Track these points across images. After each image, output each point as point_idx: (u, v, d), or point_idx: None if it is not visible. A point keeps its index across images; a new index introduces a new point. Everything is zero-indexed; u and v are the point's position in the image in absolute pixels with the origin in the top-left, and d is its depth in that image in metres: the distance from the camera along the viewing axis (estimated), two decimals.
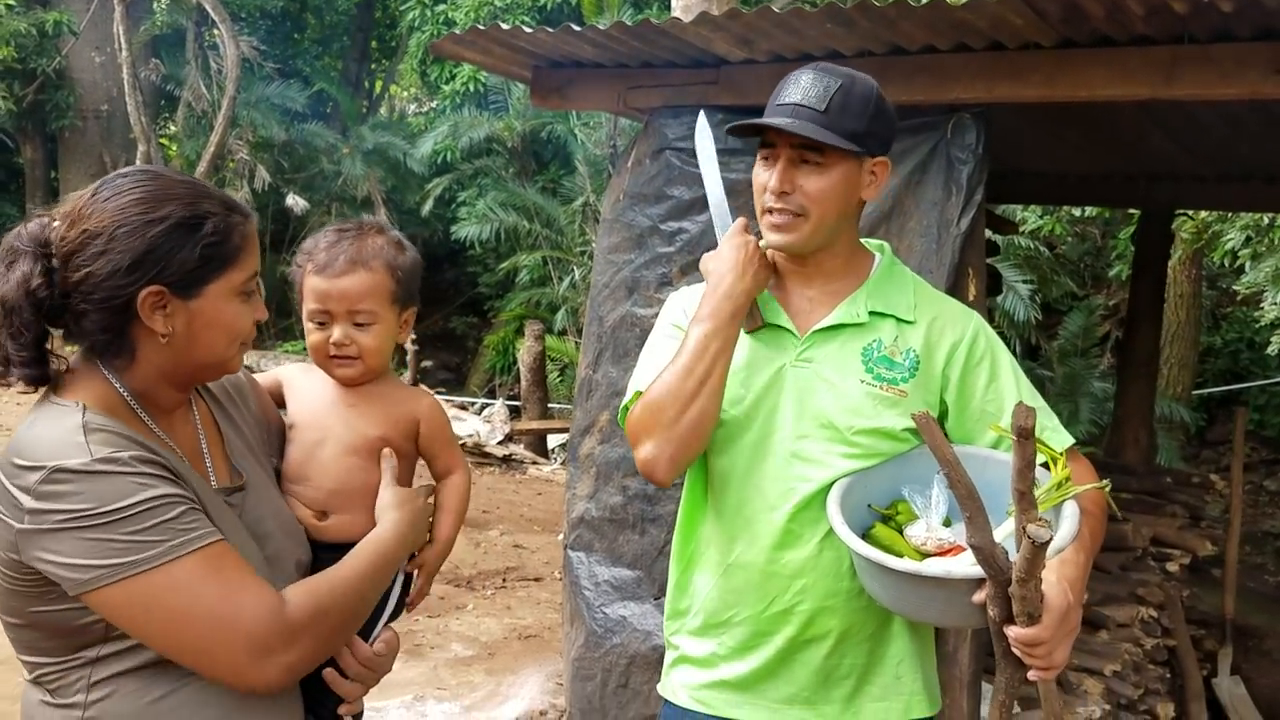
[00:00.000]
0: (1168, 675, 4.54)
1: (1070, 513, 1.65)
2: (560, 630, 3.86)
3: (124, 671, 1.37)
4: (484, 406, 11.94)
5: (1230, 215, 8.09)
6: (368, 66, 19.06)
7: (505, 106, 14.61)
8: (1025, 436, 1.38)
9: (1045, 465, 1.67)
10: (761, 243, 1.86)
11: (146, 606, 1.29)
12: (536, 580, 6.44)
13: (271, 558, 1.50)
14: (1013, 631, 1.53)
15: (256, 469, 1.58)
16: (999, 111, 3.13)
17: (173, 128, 15.37)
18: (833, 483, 1.79)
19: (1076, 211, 9.76)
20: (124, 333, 1.37)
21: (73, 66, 14.31)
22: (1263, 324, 9.13)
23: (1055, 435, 1.82)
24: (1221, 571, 5.38)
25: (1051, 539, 1.40)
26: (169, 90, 15.01)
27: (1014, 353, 1.99)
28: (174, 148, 15.16)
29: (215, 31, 13.05)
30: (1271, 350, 8.94)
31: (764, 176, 1.81)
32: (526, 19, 13.29)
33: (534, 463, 10.19)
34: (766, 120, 1.77)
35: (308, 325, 1.70)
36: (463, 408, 11.76)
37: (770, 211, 1.80)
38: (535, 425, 10.89)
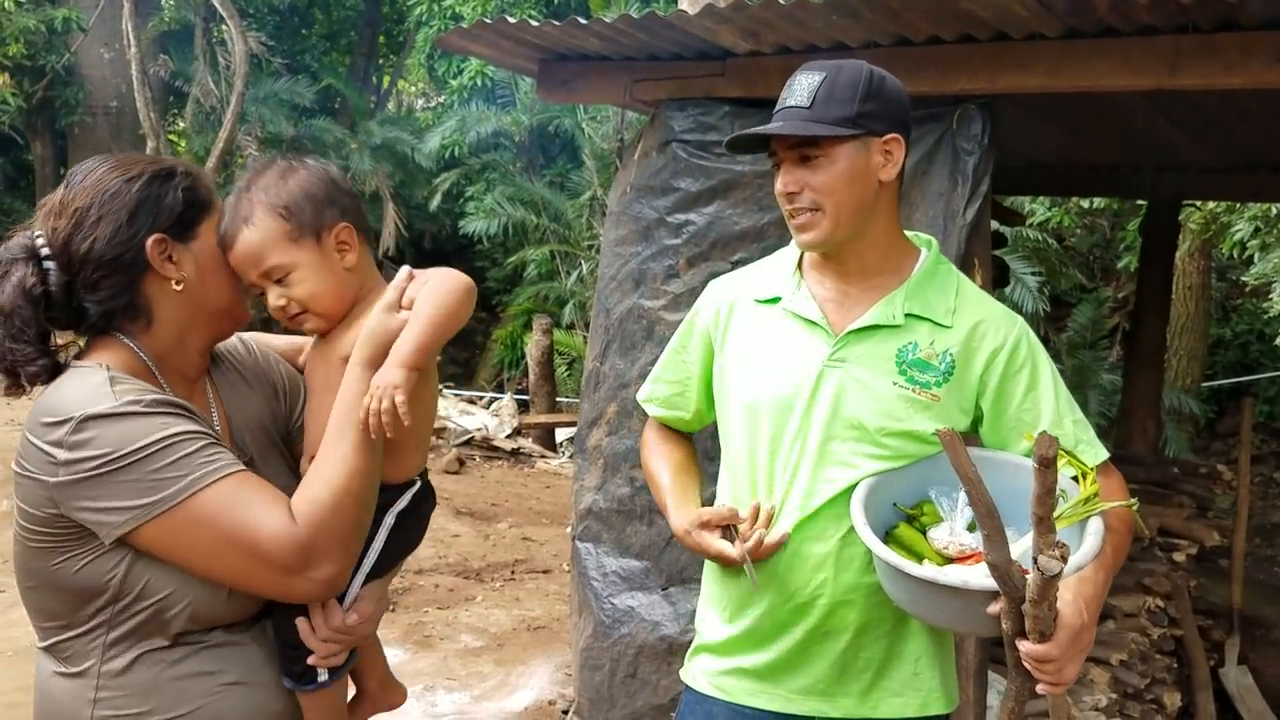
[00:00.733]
0: (1174, 665, 4.54)
1: (1094, 530, 1.65)
2: (569, 621, 3.88)
3: (136, 639, 1.40)
4: (492, 401, 11.97)
5: (1238, 206, 8.06)
6: (375, 61, 19.07)
7: (513, 101, 14.63)
8: (1046, 465, 1.40)
9: (1075, 479, 1.68)
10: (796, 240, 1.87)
11: (178, 541, 1.35)
12: (545, 572, 6.47)
13: None
14: (1024, 646, 1.54)
15: (262, 442, 1.62)
16: (1004, 102, 3.13)
17: (181, 123, 15.41)
18: (858, 482, 1.79)
19: (1085, 203, 9.73)
20: (139, 290, 1.45)
21: (82, 63, 14.36)
22: (1272, 315, 9.09)
23: (1090, 450, 1.82)
24: (1229, 562, 5.38)
25: (1060, 572, 1.42)
26: (178, 86, 15.03)
27: None
28: (183, 143, 15.21)
29: (223, 27, 13.08)
30: None
31: (778, 183, 1.83)
32: (533, 13, 13.30)
33: (542, 456, 10.22)
34: (755, 130, 1.80)
35: None
36: (471, 402, 11.79)
37: (790, 212, 1.82)
38: (543, 419, 10.91)
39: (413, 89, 20.96)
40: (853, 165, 1.78)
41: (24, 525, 1.40)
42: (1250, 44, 2.68)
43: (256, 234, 1.50)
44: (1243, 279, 10.26)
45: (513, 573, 6.41)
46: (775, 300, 1.91)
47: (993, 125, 3.09)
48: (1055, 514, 1.61)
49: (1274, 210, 7.79)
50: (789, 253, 1.97)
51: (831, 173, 1.77)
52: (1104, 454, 1.84)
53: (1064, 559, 1.43)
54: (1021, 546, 1.63)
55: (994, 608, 1.58)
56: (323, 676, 1.53)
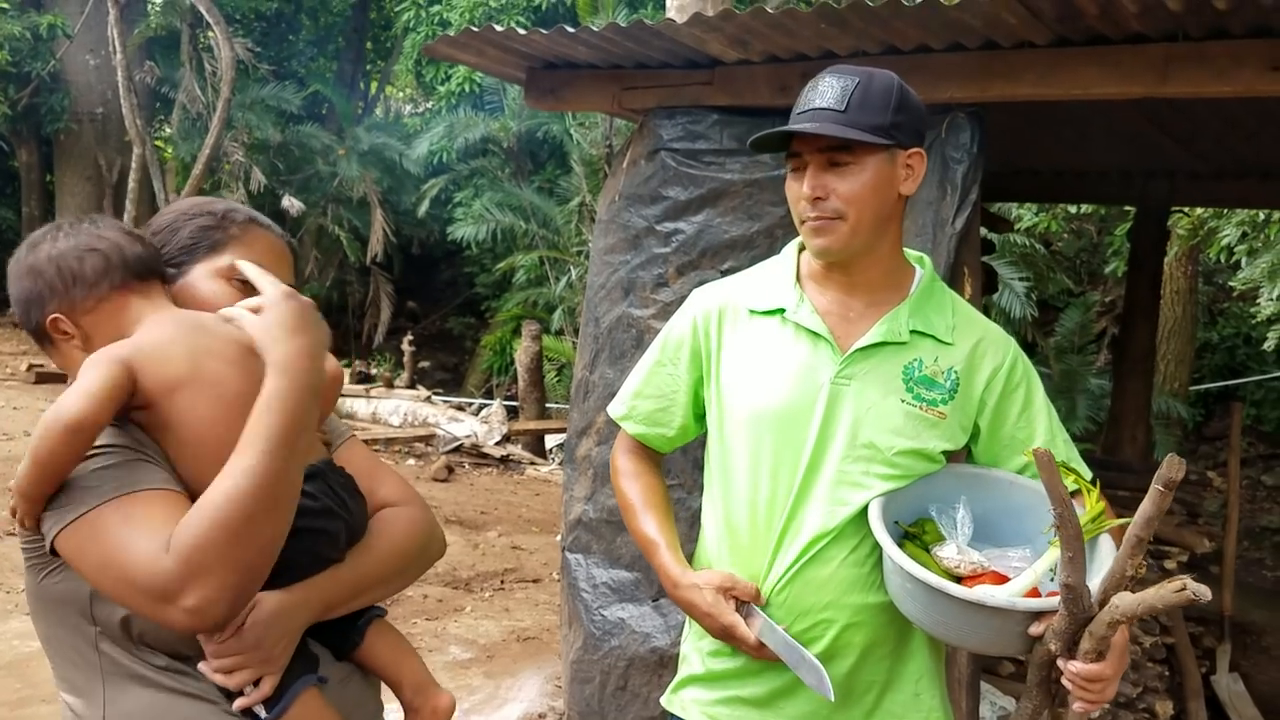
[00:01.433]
0: (1166, 673, 4.53)
1: (1109, 548, 1.67)
2: (559, 632, 3.85)
3: (130, 662, 1.38)
4: (481, 407, 11.93)
5: (1226, 211, 8.09)
6: (363, 68, 19.04)
7: (501, 107, 14.61)
8: (1169, 488, 1.44)
9: (1074, 495, 1.69)
10: (809, 247, 1.83)
11: (78, 554, 1.31)
12: (535, 582, 6.43)
13: None
14: (1076, 666, 1.55)
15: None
16: (994, 110, 3.12)
17: (168, 130, 15.35)
18: (868, 503, 1.77)
19: (1072, 209, 9.75)
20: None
21: (67, 70, 14.30)
22: (1259, 319, 9.12)
23: (1078, 469, 1.82)
24: (1219, 568, 5.37)
25: (1199, 597, 1.43)
26: (164, 93, 14.99)
27: None
28: (169, 150, 15.15)
29: (210, 34, 13.04)
30: (1268, 345, 8.93)
31: (796, 187, 1.78)
32: (521, 20, 13.29)
33: (532, 463, 10.19)
34: (789, 127, 1.74)
35: None
36: (460, 408, 11.75)
37: (808, 219, 1.77)
38: (533, 425, 10.89)
39: (401, 95, 20.93)
40: (879, 176, 1.75)
41: (22, 542, 1.42)
42: (1240, 52, 2.68)
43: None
44: (1230, 284, 10.29)
45: (502, 582, 6.37)
46: (777, 312, 1.86)
47: (982, 133, 3.08)
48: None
49: (1261, 216, 7.82)
50: (784, 263, 1.92)
51: (860, 180, 1.73)
52: (1088, 474, 1.84)
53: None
54: (1044, 564, 1.66)
55: (1037, 628, 1.59)
56: (262, 713, 1.38)
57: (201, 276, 1.52)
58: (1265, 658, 5.50)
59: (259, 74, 14.55)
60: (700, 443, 1.99)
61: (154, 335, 1.41)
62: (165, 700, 1.38)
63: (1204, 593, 1.38)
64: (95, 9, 13.34)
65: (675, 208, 3.45)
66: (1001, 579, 1.70)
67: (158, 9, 14.76)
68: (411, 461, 9.74)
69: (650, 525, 1.93)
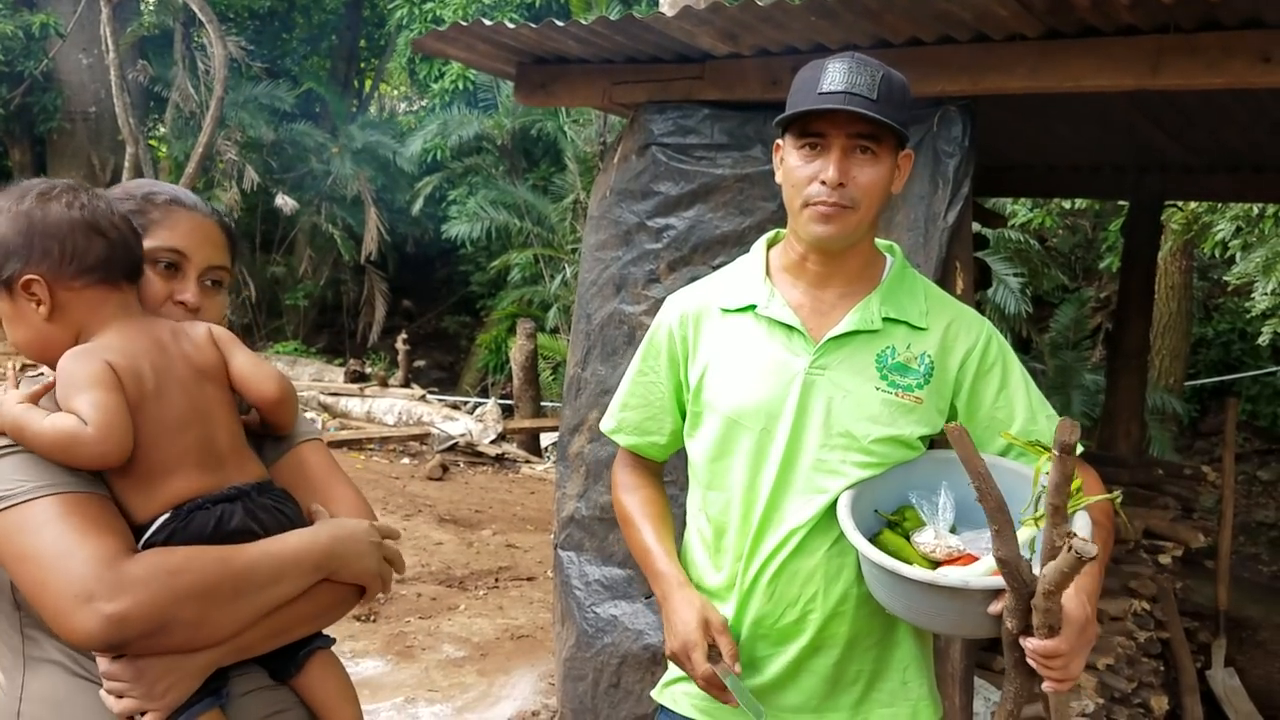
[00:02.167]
0: (1161, 668, 4.53)
1: (1083, 524, 1.65)
2: (552, 630, 3.84)
3: (51, 651, 1.37)
4: (476, 405, 11.92)
5: (1220, 206, 8.08)
6: (356, 65, 19.00)
7: (495, 104, 14.59)
8: (1067, 451, 1.40)
9: None
10: (806, 231, 1.78)
11: (2, 544, 1.29)
12: (529, 579, 6.42)
13: None
14: (1031, 643, 1.53)
15: None
16: (986, 104, 3.11)
17: (161, 129, 15.33)
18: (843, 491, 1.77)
19: (1067, 204, 9.75)
20: None
21: (60, 68, 14.26)
22: (1254, 314, 9.11)
23: None
24: (1215, 563, 5.37)
25: (1095, 556, 1.40)
26: (157, 91, 14.96)
27: None
28: (162, 149, 15.11)
29: (203, 32, 13.00)
30: (1263, 340, 8.94)
31: (810, 168, 1.73)
32: (514, 15, 13.26)
33: (527, 461, 10.18)
34: (840, 106, 1.67)
35: None
36: (455, 407, 11.74)
37: (818, 203, 1.72)
38: (528, 424, 10.88)
39: (394, 93, 20.90)
40: (890, 170, 1.76)
41: None
42: (1232, 43, 2.66)
43: None
44: (1224, 278, 10.30)
45: (496, 580, 6.36)
46: (749, 309, 1.86)
47: (974, 127, 3.07)
48: (1043, 510, 1.60)
49: (1255, 210, 7.81)
50: (752, 261, 1.92)
51: (878, 172, 1.73)
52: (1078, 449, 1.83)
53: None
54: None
55: (995, 607, 1.57)
56: None
57: None
58: (1260, 652, 5.50)
59: (252, 72, 14.52)
60: None
61: (129, 348, 1.39)
62: (76, 685, 1.37)
63: (1088, 550, 1.37)
64: (88, 8, 13.31)
65: (666, 203, 3.43)
66: (976, 560, 1.70)
67: (150, 8, 14.73)
68: (406, 460, 9.72)
69: (647, 535, 1.94)
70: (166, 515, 1.37)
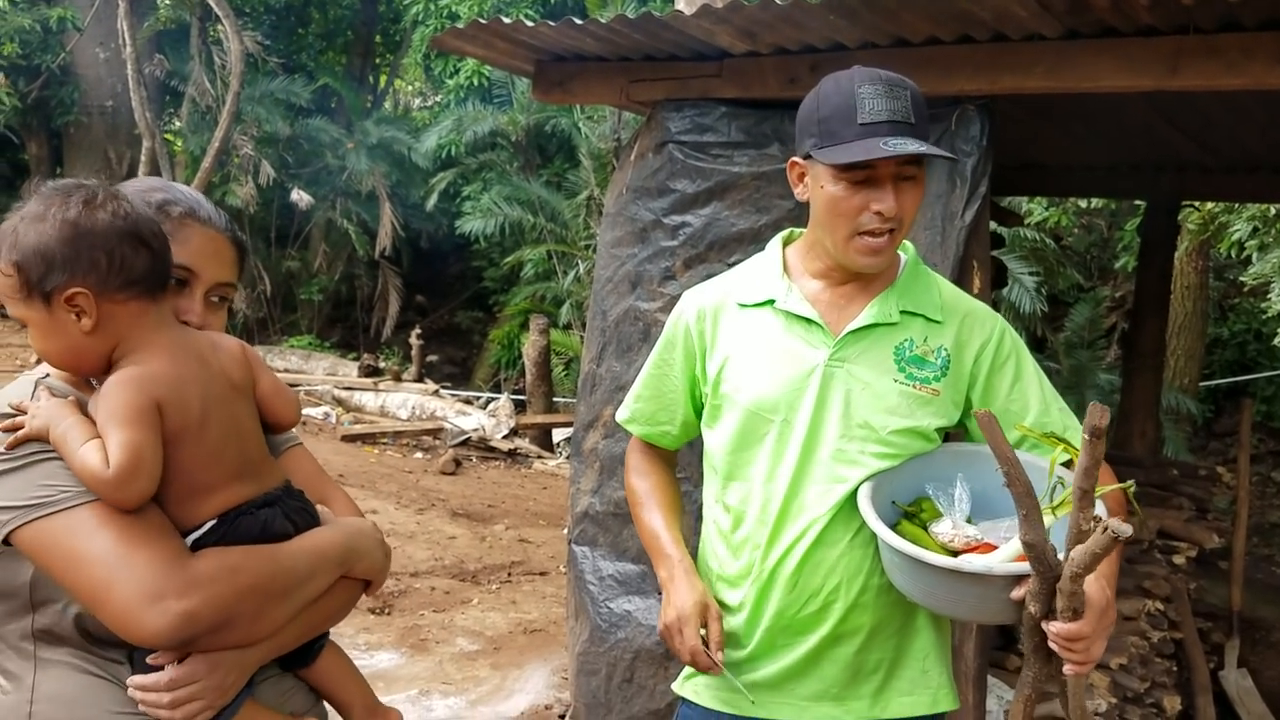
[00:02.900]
0: (1174, 668, 4.52)
1: (1099, 511, 1.66)
2: (565, 624, 3.86)
3: (64, 649, 1.38)
4: (489, 401, 11.95)
5: (1237, 206, 8.05)
6: (372, 61, 19.04)
7: (509, 100, 14.61)
8: (1098, 436, 1.41)
9: (1067, 465, 1.68)
10: (850, 260, 1.79)
11: (49, 548, 1.30)
12: (542, 574, 6.44)
13: None
14: (1055, 627, 1.55)
15: None
16: (1003, 103, 3.11)
17: (177, 123, 15.39)
18: (863, 482, 1.79)
19: (1083, 203, 9.73)
20: None
21: (77, 62, 14.34)
22: (1270, 315, 9.07)
23: (1078, 436, 1.82)
24: (1229, 564, 5.36)
25: (1129, 536, 1.42)
26: (173, 86, 15.03)
27: None
28: (178, 143, 15.18)
29: (219, 27, 13.05)
30: (1278, 341, 8.90)
31: (859, 198, 1.72)
32: (530, 12, 13.28)
33: (539, 457, 10.20)
34: (901, 149, 1.66)
35: None
36: (468, 402, 11.77)
37: (871, 234, 1.74)
38: (540, 419, 10.90)
39: (409, 88, 20.94)
40: (924, 185, 1.79)
41: None
42: (1251, 45, 2.66)
43: None
44: (1240, 279, 10.25)
45: (509, 575, 6.38)
46: (767, 303, 1.88)
47: (992, 126, 3.07)
48: (1059, 500, 1.62)
49: (1272, 210, 7.78)
50: (769, 258, 1.94)
51: (917, 194, 1.76)
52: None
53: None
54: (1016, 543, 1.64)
55: (1018, 592, 1.60)
56: None
57: None
58: (1274, 654, 5.48)
59: (268, 67, 14.55)
60: None
61: (178, 377, 1.39)
62: (88, 683, 1.38)
63: (1124, 529, 1.38)
64: (105, 2, 13.37)
65: (683, 201, 3.44)
66: (994, 549, 1.72)
67: (167, 2, 14.78)
68: (419, 455, 9.76)
69: (656, 519, 1.98)
70: (213, 521, 1.40)
